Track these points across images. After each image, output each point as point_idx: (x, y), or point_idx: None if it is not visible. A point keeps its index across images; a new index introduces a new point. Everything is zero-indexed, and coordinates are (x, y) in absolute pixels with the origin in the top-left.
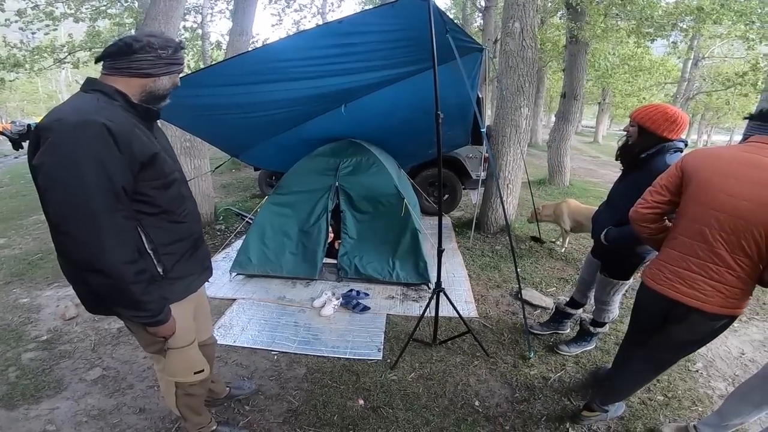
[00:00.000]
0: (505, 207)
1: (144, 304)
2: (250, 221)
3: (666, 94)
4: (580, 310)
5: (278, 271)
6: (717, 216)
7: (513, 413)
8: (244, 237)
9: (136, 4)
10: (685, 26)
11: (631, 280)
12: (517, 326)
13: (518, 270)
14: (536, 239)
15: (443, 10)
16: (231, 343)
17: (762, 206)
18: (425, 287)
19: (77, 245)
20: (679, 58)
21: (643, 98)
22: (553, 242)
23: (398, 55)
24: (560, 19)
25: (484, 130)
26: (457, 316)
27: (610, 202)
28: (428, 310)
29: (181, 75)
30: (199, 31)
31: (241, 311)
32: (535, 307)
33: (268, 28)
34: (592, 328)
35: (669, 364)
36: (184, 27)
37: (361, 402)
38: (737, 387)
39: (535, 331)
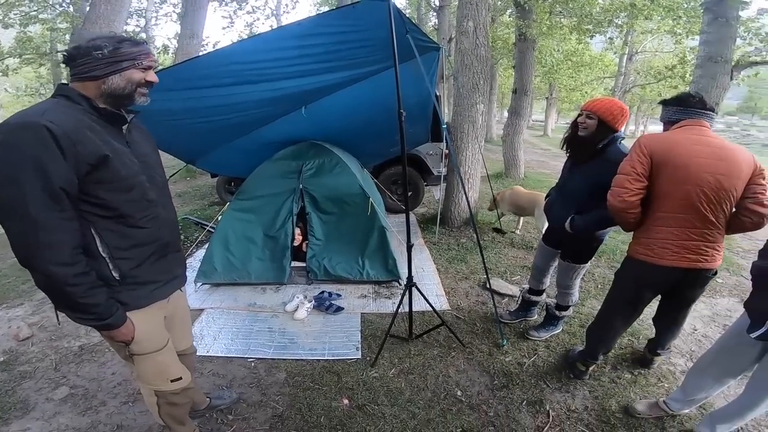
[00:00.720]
0: (469, 200)
1: (87, 306)
2: (211, 230)
3: (605, 88)
4: (543, 295)
5: (246, 277)
6: (703, 191)
7: (495, 400)
8: (206, 246)
9: (71, 9)
10: (620, 22)
11: (589, 263)
12: (488, 316)
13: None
14: (498, 230)
15: (400, 8)
16: (204, 353)
17: (730, 176)
18: (396, 284)
19: (15, 243)
20: (615, 53)
21: (586, 92)
22: (513, 232)
23: (358, 55)
24: (509, 17)
25: (444, 126)
26: (431, 309)
27: (564, 191)
28: (402, 305)
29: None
30: (143, 35)
31: (211, 321)
32: (502, 296)
33: (218, 31)
34: (557, 312)
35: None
36: (125, 31)
37: (346, 401)
38: (695, 363)
39: (505, 320)
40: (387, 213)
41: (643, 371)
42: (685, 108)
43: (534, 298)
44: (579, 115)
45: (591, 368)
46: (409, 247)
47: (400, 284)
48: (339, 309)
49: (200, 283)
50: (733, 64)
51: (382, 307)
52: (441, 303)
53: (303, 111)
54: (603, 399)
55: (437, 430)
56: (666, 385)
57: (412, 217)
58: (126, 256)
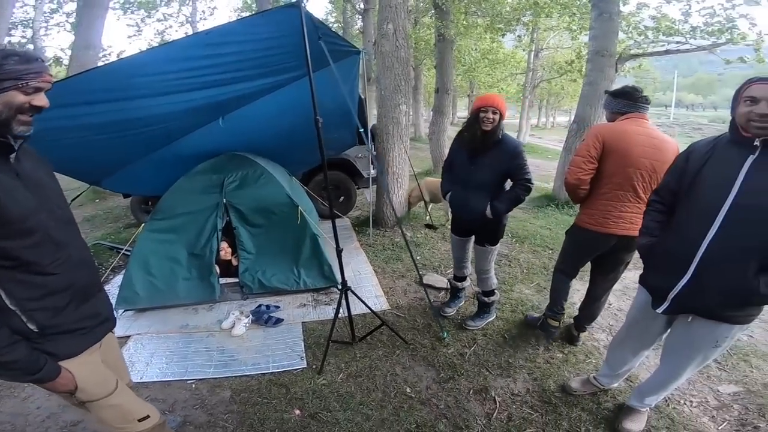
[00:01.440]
0: (396, 200)
1: (6, 364)
2: (127, 253)
3: (518, 84)
4: (468, 280)
5: (173, 300)
6: (640, 173)
7: (443, 392)
8: (124, 271)
9: None
10: (526, 20)
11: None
12: (427, 311)
13: (417, 257)
14: (429, 226)
15: (325, 12)
16: (138, 380)
17: (662, 161)
18: (335, 289)
19: None
20: (524, 50)
21: (502, 89)
22: (444, 225)
23: (275, 62)
24: (430, 18)
25: (362, 129)
26: (370, 311)
27: (472, 185)
28: (342, 310)
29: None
30: (30, 46)
31: (140, 347)
32: (439, 289)
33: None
34: (487, 299)
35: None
36: (9, 42)
37: (298, 412)
38: (612, 339)
39: (445, 313)
40: (321, 219)
41: (571, 349)
42: (633, 102)
43: (461, 284)
44: (482, 112)
45: (560, 321)
46: (338, 252)
47: (339, 289)
48: (279, 321)
49: (122, 310)
50: (616, 57)
51: (323, 314)
52: (381, 303)
53: (220, 122)
54: (541, 380)
55: (392, 429)
56: (593, 360)
57: (346, 222)
58: (40, 307)
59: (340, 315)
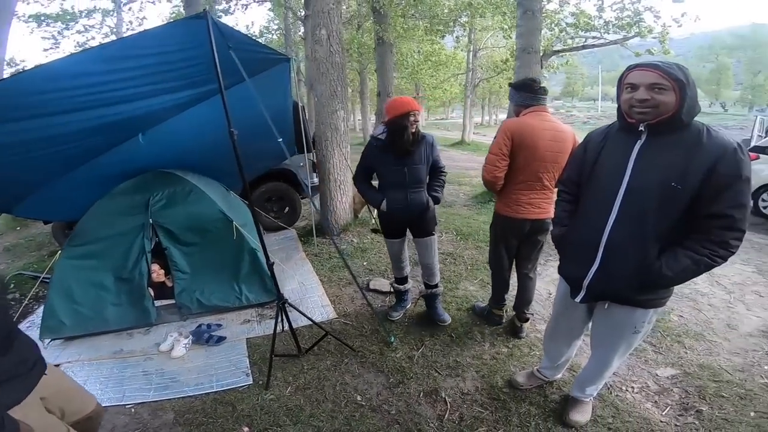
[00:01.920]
0: (341, 208)
1: None
2: (45, 280)
3: (460, 84)
4: (409, 282)
5: (103, 326)
6: (545, 165)
7: (394, 397)
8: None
9: None
10: (463, 21)
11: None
12: (374, 317)
13: (364, 263)
14: (376, 231)
15: (267, 19)
16: None
17: (562, 152)
18: (289, 302)
19: None
20: (462, 50)
21: (446, 89)
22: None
23: (192, 74)
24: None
25: (280, 140)
26: (314, 322)
27: (409, 184)
28: (293, 322)
29: None
30: None
31: (71, 375)
32: (386, 294)
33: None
34: (436, 289)
35: (537, 260)
36: None
37: (246, 429)
38: (545, 331)
39: (391, 317)
40: (266, 232)
41: (516, 342)
42: (533, 94)
43: (404, 287)
44: (411, 116)
45: (504, 310)
46: (270, 266)
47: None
48: (221, 339)
49: (48, 340)
50: (541, 53)
51: (269, 329)
52: (328, 313)
53: (140, 138)
54: (489, 377)
55: None
56: (537, 352)
57: (293, 233)
58: None
59: (285, 328)
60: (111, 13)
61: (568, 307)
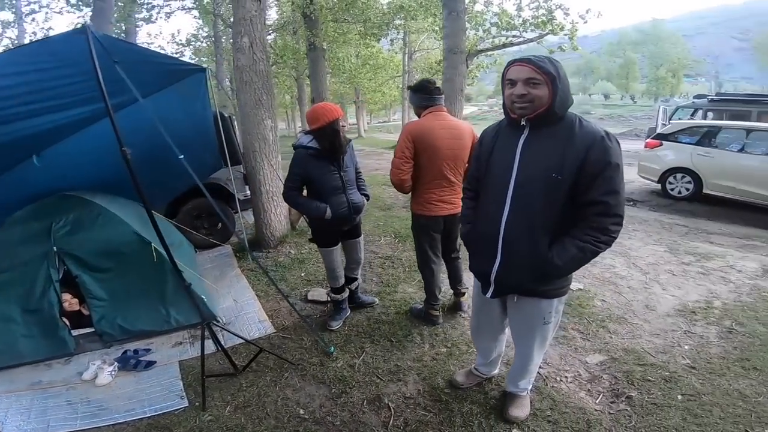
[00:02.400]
0: (275, 219)
1: None
2: None
3: (397, 86)
4: (346, 291)
5: (16, 359)
6: (447, 163)
7: (337, 408)
8: None
9: None
10: (397, 24)
11: None
12: (312, 327)
13: (302, 274)
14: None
15: (195, 27)
16: None
17: (462, 148)
18: (215, 321)
19: None
20: (397, 53)
21: (384, 92)
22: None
23: (83, 90)
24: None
25: (182, 156)
26: (255, 338)
27: (346, 185)
28: (218, 343)
29: None
30: None
31: None
32: (324, 303)
33: None
34: (357, 284)
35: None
36: None
37: None
38: (470, 328)
39: (330, 327)
40: (198, 250)
41: (454, 341)
42: (430, 96)
43: (341, 295)
44: (339, 121)
45: (440, 310)
46: (187, 287)
47: (219, 321)
48: (150, 363)
49: None
50: (466, 53)
51: (205, 349)
52: (265, 328)
53: (35, 160)
54: (430, 378)
55: None
56: (474, 350)
57: (228, 248)
58: None
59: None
60: (12, 24)
61: (485, 303)
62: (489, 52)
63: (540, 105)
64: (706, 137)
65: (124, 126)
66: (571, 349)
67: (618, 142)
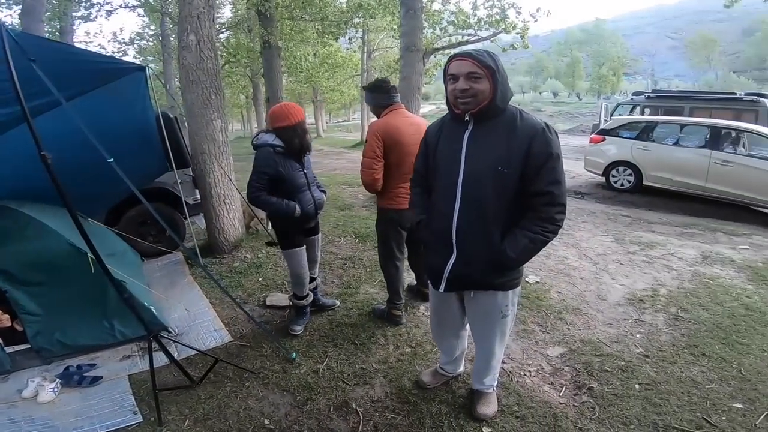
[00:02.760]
0: (229, 223)
1: None
2: None
3: (356, 85)
4: (309, 296)
5: None
6: (411, 158)
7: (303, 416)
8: None
9: None
10: (356, 22)
11: None
12: (272, 334)
13: (260, 279)
14: (271, 243)
15: (142, 25)
16: None
17: None
18: (167, 332)
19: None
20: (355, 51)
21: (343, 91)
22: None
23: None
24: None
25: (111, 160)
26: (213, 347)
27: (310, 183)
28: (169, 356)
29: None
30: None
31: None
32: (284, 308)
33: None
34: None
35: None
36: None
37: None
38: (431, 327)
39: (293, 332)
40: (147, 259)
41: (418, 340)
42: (387, 94)
43: (306, 301)
44: (305, 121)
45: (403, 309)
46: (125, 299)
47: (171, 331)
48: (96, 379)
49: None
50: (423, 51)
51: (157, 361)
52: (222, 337)
53: None
54: (396, 380)
55: None
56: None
57: (179, 255)
58: None
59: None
60: None
61: (442, 300)
62: (446, 51)
63: (483, 99)
64: (645, 132)
65: (53, 129)
66: (532, 342)
67: (557, 134)
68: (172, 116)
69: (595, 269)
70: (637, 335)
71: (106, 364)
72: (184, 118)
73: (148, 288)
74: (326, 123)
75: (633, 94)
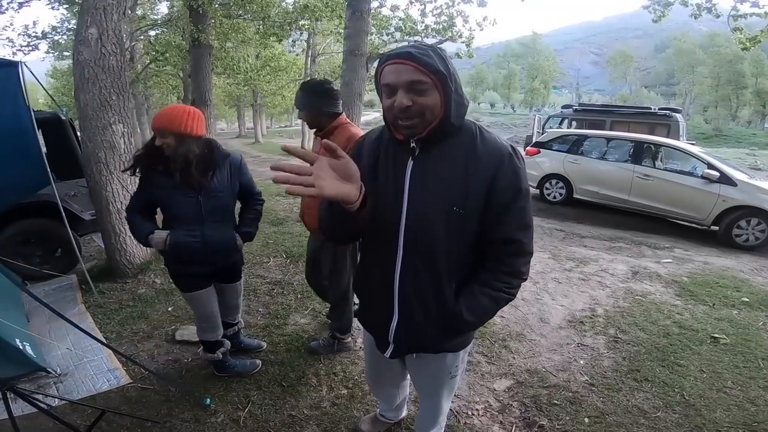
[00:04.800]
0: (131, 244)
1: None
2: None
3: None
4: (226, 344)
5: None
6: None
7: None
8: None
9: None
10: (302, 24)
11: None
12: (183, 374)
13: (170, 308)
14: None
15: (61, 19)
16: None
17: None
18: (42, 373)
19: None
20: (298, 55)
21: (284, 95)
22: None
23: None
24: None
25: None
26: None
27: (208, 218)
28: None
29: None
30: None
31: None
32: (197, 344)
33: None
34: (239, 326)
35: None
36: None
37: None
38: (366, 377)
39: (220, 373)
40: (31, 282)
41: (355, 380)
42: (335, 101)
43: (221, 350)
44: (159, 137)
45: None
46: None
47: (52, 373)
48: None
49: None
50: (367, 56)
51: (28, 408)
52: (118, 378)
53: None
54: (332, 429)
55: None
56: None
57: (71, 279)
58: None
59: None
60: None
61: (380, 359)
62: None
63: (432, 118)
64: (575, 145)
65: None
66: (478, 376)
67: (523, 159)
68: (64, 118)
69: (536, 289)
70: (581, 361)
71: None
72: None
73: (26, 321)
74: (266, 128)
75: (562, 107)
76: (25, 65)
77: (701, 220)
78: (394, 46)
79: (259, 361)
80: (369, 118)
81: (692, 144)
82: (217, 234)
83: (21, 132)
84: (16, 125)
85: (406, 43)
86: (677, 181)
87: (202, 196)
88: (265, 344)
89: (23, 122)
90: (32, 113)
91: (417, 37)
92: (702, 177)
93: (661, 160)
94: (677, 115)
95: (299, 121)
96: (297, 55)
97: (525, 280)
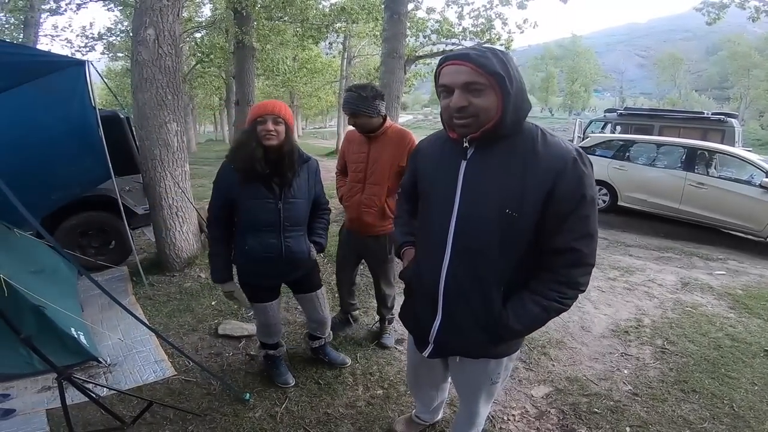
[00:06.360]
0: (181, 238)
1: None
2: None
3: (334, 92)
4: (283, 346)
5: None
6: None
7: None
8: None
9: None
10: (338, 27)
11: None
12: (224, 368)
13: (213, 302)
14: None
15: (114, 21)
16: None
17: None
18: (94, 363)
19: None
20: (335, 57)
21: (320, 97)
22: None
23: None
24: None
25: None
26: (152, 381)
27: (285, 223)
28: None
29: None
30: None
31: None
32: (239, 339)
33: None
34: (327, 339)
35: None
36: None
37: None
38: (407, 379)
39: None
40: (92, 272)
41: (391, 381)
42: (383, 103)
43: (278, 351)
44: (257, 125)
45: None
46: (25, 340)
47: (101, 362)
48: (9, 412)
49: None
50: (405, 58)
51: (78, 396)
52: (164, 370)
53: None
54: (366, 428)
55: None
56: None
57: (123, 271)
58: None
59: (104, 394)
60: None
61: (422, 361)
62: (427, 61)
63: (487, 119)
64: (621, 151)
65: None
66: (515, 381)
67: (591, 164)
68: (123, 117)
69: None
70: (625, 371)
71: (21, 395)
72: (129, 118)
73: (69, 314)
74: (302, 129)
75: (605, 111)
76: (92, 64)
77: (758, 231)
78: (430, 48)
79: (348, 359)
80: (402, 120)
81: (749, 151)
82: (294, 244)
83: (87, 129)
84: (83, 122)
85: (443, 46)
86: (733, 190)
87: (282, 202)
88: (349, 360)
89: (89, 120)
90: (97, 111)
91: (454, 40)
92: (760, 186)
93: (715, 168)
94: (733, 120)
95: (334, 123)
96: (333, 57)
97: (582, 292)
